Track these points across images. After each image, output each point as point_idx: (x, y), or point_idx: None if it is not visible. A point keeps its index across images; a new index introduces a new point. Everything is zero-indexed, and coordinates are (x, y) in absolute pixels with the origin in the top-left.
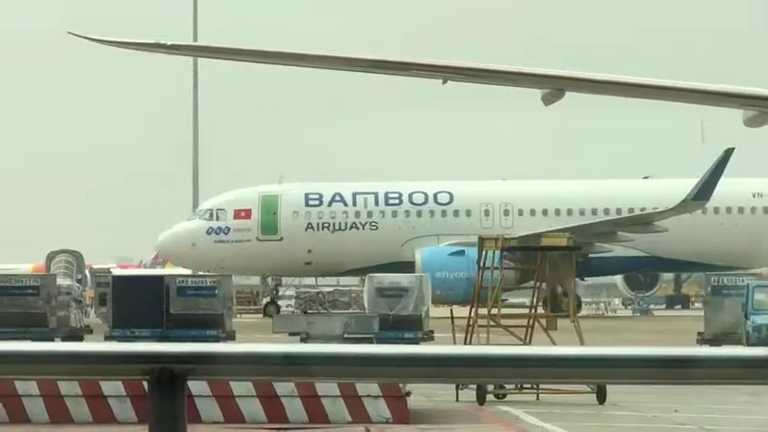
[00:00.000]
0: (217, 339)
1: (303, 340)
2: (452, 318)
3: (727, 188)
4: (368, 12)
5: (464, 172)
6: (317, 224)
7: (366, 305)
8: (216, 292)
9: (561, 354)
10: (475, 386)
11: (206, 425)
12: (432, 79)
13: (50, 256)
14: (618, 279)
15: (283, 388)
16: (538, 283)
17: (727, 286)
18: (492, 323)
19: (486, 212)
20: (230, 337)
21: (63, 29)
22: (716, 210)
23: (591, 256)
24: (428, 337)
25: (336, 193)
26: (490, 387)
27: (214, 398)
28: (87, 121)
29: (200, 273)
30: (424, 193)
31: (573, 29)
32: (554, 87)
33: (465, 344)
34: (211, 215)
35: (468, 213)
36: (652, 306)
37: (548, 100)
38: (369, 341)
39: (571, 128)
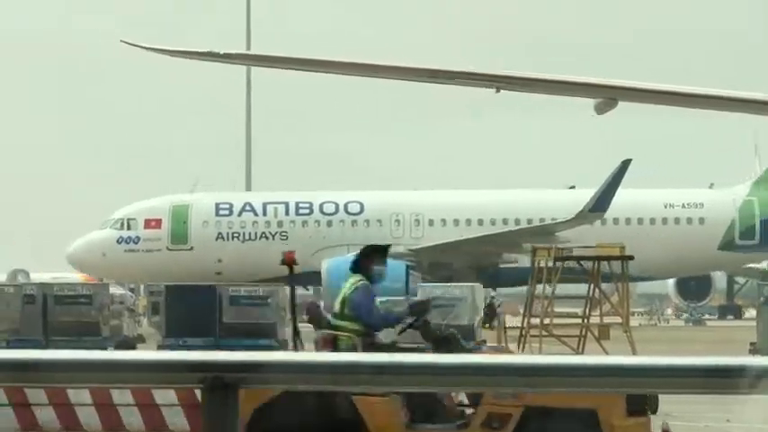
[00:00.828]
0: (269, 348)
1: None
2: (505, 327)
3: (637, 197)
4: (416, 21)
5: (510, 180)
6: (227, 234)
7: None
8: (269, 301)
9: (613, 363)
10: None
11: None
12: (484, 89)
13: None
14: (670, 288)
15: None
16: (591, 293)
17: None
18: (544, 333)
19: (397, 222)
20: (283, 346)
21: (115, 36)
22: (627, 221)
23: (501, 266)
24: (480, 347)
25: (247, 202)
26: None
27: None
28: (141, 128)
29: (253, 282)
30: (334, 202)
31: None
32: (607, 97)
33: (518, 353)
34: (122, 225)
35: (380, 223)
36: (705, 316)
37: (600, 109)
38: (421, 351)
39: (625, 136)
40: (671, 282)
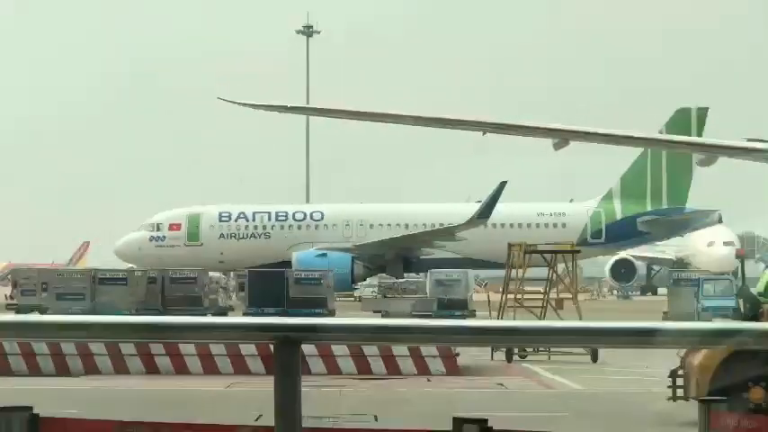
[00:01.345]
0: (322, 315)
1: (383, 316)
2: (489, 301)
3: (518, 209)
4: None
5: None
6: (227, 234)
7: (428, 291)
8: (321, 282)
9: (565, 326)
10: (504, 349)
11: (314, 376)
12: (474, 131)
13: None
14: (606, 273)
15: (369, 350)
16: (550, 276)
17: (684, 279)
18: (517, 304)
19: (348, 226)
20: (332, 313)
21: (210, 92)
22: (510, 225)
23: (422, 257)
24: (471, 314)
25: (241, 212)
26: (516, 350)
27: (320, 356)
28: (229, 159)
29: (311, 268)
30: (303, 212)
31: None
32: (562, 138)
33: (498, 319)
34: (153, 227)
35: (335, 227)
36: (631, 293)
37: (557, 146)
38: (429, 317)
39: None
40: (606, 268)
